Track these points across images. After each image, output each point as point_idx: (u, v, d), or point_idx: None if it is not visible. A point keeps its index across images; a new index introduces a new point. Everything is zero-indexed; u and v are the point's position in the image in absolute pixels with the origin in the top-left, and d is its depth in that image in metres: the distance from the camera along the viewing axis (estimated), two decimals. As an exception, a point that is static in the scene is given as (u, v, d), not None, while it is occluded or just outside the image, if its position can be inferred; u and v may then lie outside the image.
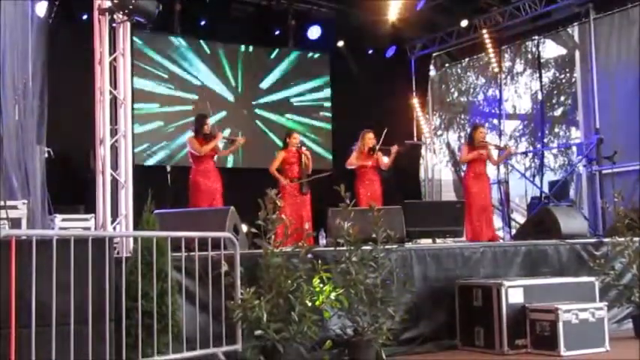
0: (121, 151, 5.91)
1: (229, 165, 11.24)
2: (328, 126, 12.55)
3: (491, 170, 10.10)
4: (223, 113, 11.43)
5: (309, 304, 5.05)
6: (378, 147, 8.72)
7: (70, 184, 8.71)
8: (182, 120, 11.10)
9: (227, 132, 9.67)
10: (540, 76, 12.38)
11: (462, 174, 9.92)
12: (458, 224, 7.50)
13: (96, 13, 5.86)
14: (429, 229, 7.20)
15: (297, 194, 8.28)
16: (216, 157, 8.17)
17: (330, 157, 12.34)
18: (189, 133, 8.37)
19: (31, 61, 6.74)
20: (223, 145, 8.57)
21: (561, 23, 11.20)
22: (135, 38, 9.80)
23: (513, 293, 5.83)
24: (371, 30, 11.82)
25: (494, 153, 9.32)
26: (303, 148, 8.53)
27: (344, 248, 5.40)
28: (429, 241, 7.14)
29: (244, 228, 6.42)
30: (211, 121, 8.31)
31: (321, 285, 5.33)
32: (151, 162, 10.86)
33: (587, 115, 10.84)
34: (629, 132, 9.81)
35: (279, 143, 9.40)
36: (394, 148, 8.85)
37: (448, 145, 13.84)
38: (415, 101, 13.15)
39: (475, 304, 5.97)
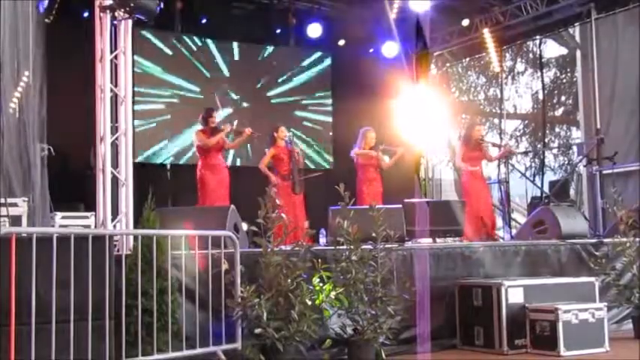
0: (122, 149, 5.90)
1: (229, 163, 11.23)
2: (329, 125, 12.54)
3: (491, 170, 10.12)
4: (224, 111, 11.42)
5: (309, 302, 5.05)
6: (381, 148, 8.73)
7: (71, 182, 8.71)
8: (183, 118, 11.09)
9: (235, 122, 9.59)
10: (542, 76, 12.38)
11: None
12: (458, 224, 7.50)
13: (97, 10, 5.85)
14: (429, 228, 7.19)
15: (291, 194, 8.23)
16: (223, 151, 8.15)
17: (330, 155, 12.34)
18: (192, 130, 8.36)
19: (31, 59, 6.74)
20: (230, 138, 8.47)
21: (563, 23, 11.17)
22: (136, 35, 9.80)
23: (513, 293, 5.83)
24: (372, 29, 11.81)
25: (493, 151, 9.32)
26: (296, 148, 8.47)
27: (344, 247, 5.40)
28: (430, 240, 7.14)
29: (244, 226, 6.42)
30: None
31: (321, 284, 5.33)
32: (152, 160, 10.84)
33: (587, 115, 10.85)
34: (629, 132, 9.81)
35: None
36: (399, 151, 8.86)
37: (449, 143, 13.84)
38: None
39: (475, 303, 5.97)
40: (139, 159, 10.25)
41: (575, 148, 11.81)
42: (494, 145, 9.53)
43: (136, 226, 5.34)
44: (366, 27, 11.82)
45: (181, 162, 10.95)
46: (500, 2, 11.28)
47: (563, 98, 12.97)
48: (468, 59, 13.38)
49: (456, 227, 7.47)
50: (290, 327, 4.91)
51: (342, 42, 12.27)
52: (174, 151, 11.06)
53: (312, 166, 11.41)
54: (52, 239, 3.92)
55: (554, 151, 12.61)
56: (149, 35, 10.89)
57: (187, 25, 11.08)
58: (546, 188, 11.08)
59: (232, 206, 6.09)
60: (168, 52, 11.22)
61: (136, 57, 9.28)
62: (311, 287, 5.20)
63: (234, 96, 11.77)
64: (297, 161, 8.33)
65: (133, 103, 6.32)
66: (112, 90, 5.87)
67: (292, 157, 8.35)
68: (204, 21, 11.26)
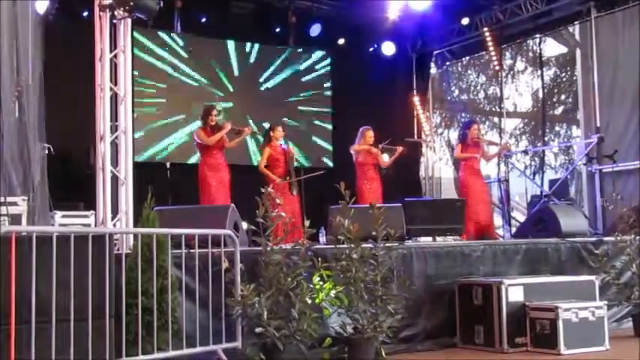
0: (121, 148, 5.91)
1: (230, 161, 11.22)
2: (329, 124, 12.53)
3: (491, 168, 10.11)
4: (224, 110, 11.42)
5: (309, 301, 5.05)
6: (381, 146, 8.72)
7: (70, 181, 8.72)
8: (182, 117, 11.09)
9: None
10: (542, 75, 12.37)
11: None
12: (458, 222, 7.50)
13: (97, 9, 5.86)
14: (429, 227, 7.20)
15: (288, 193, 8.20)
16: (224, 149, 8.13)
17: (330, 154, 12.34)
18: (191, 129, 8.34)
19: (31, 58, 6.73)
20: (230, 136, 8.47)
21: (562, 22, 11.19)
22: (135, 35, 9.81)
23: (513, 291, 5.83)
24: (372, 28, 11.82)
25: (491, 149, 9.31)
26: (290, 148, 8.44)
27: (344, 246, 5.40)
28: (429, 239, 7.14)
29: (244, 225, 6.42)
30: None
31: (321, 282, 5.33)
32: (151, 159, 10.84)
33: (587, 113, 10.83)
34: (629, 131, 9.81)
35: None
36: (399, 150, 8.85)
37: (449, 143, 13.84)
38: (416, 99, 13.14)
39: (475, 302, 5.97)
40: (139, 159, 10.26)
41: (575, 147, 11.79)
42: (490, 143, 9.52)
43: (135, 225, 5.35)
44: (366, 26, 11.83)
45: (181, 161, 10.94)
46: (500, 1, 11.29)
47: (563, 97, 12.95)
48: (467, 58, 13.39)
49: (456, 226, 7.47)
50: (290, 326, 4.91)
51: (342, 41, 12.27)
52: (173, 151, 11.06)
53: (313, 165, 11.39)
54: (52, 238, 3.92)
55: (554, 149, 12.59)
56: (148, 35, 10.88)
57: (187, 25, 11.07)
58: (546, 187, 11.08)
59: (232, 205, 6.09)
60: (168, 51, 11.22)
61: (135, 56, 9.28)
62: (311, 286, 5.20)
63: (231, 96, 11.76)
64: (290, 162, 8.29)
65: (133, 103, 6.33)
66: (111, 89, 5.88)
67: (288, 158, 8.32)
68: (203, 20, 11.25)
